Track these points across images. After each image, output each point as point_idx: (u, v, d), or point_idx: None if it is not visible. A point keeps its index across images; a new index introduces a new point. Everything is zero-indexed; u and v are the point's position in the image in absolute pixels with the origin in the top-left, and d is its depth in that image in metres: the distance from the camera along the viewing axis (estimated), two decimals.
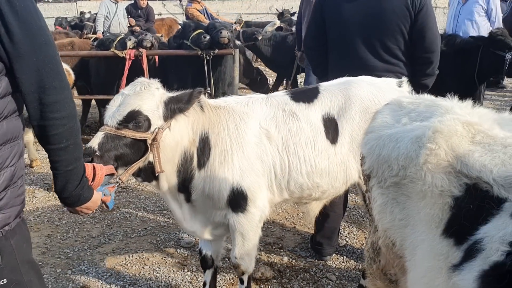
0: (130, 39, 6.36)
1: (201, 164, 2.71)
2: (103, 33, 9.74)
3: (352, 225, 4.59)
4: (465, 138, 1.63)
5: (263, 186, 2.83)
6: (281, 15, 13.67)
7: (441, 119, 1.72)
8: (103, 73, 6.88)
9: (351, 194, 5.10)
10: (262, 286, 3.57)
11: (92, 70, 7.05)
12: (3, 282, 1.67)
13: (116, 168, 2.43)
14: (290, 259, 3.96)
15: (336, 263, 3.91)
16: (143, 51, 6.33)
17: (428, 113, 1.86)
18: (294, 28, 9.74)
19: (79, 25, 12.85)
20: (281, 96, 2.97)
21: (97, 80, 7.07)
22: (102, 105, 7.35)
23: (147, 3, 11.11)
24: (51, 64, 1.60)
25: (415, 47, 3.48)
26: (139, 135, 2.45)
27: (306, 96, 2.97)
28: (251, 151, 2.77)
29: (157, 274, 3.76)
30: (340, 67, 3.33)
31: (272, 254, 4.03)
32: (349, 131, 2.91)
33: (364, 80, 3.02)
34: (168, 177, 2.67)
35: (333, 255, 3.98)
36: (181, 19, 14.93)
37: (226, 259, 3.87)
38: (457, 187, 1.58)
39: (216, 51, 6.18)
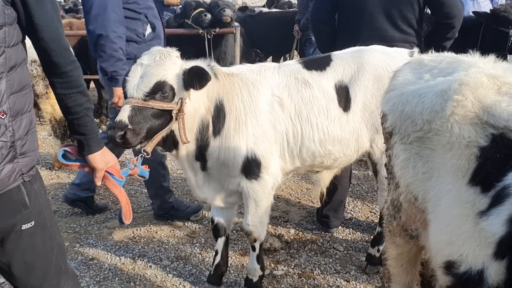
0: None
1: (217, 131, 2.72)
2: None
3: (357, 200, 4.64)
4: (491, 89, 1.66)
5: (275, 154, 2.85)
6: (276, 0, 13.48)
7: (466, 72, 1.74)
8: None
9: (353, 171, 5.15)
10: (270, 256, 3.61)
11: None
12: (31, 224, 1.77)
13: (142, 140, 2.43)
14: (297, 231, 4.00)
15: (342, 235, 3.96)
16: None
17: (450, 69, 1.88)
18: (258, 9, 9.47)
19: (73, 9, 12.75)
20: (293, 64, 2.98)
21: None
22: (102, 86, 7.30)
23: None
24: (57, 12, 1.73)
25: (436, 14, 3.57)
26: (166, 106, 2.45)
27: (319, 64, 2.98)
28: (264, 119, 2.78)
29: (166, 246, 3.78)
30: (356, 39, 3.31)
31: (279, 227, 4.07)
32: (362, 99, 2.92)
33: (377, 49, 3.04)
34: (187, 146, 2.67)
35: (339, 228, 4.03)
36: None
37: (234, 231, 3.90)
38: (483, 138, 1.61)
39: (218, 29, 6.15)
